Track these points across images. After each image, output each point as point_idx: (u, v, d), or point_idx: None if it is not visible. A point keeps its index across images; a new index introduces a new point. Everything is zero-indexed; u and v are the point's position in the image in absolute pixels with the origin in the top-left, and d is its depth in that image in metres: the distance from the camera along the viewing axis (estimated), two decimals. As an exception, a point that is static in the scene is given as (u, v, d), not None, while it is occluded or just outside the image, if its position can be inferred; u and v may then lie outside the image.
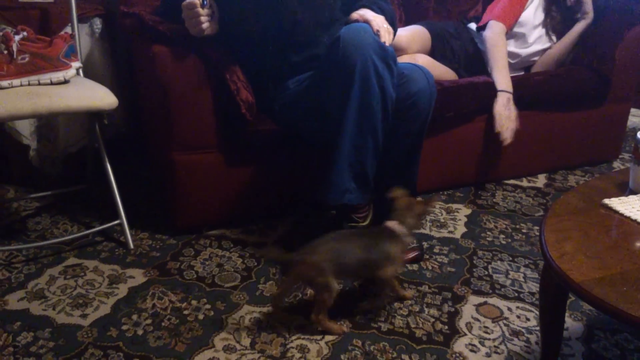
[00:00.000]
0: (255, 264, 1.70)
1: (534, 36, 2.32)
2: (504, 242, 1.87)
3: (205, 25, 1.54)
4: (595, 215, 1.10)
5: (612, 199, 1.14)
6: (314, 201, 1.61)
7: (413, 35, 2.22)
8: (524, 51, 2.31)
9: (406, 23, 2.44)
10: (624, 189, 1.21)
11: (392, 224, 1.43)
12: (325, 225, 1.70)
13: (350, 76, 1.46)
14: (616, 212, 1.10)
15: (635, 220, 1.07)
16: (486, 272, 1.69)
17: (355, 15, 1.56)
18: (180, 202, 1.80)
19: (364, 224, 1.68)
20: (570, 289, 0.90)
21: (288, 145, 1.83)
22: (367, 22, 1.51)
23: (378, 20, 1.52)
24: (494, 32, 2.21)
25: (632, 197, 1.15)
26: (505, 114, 2.09)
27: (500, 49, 2.19)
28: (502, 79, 2.13)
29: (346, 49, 1.45)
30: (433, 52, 2.26)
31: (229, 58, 1.67)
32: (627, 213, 1.09)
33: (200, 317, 1.46)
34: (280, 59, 1.69)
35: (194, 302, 1.52)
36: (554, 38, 2.35)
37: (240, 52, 1.68)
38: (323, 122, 1.60)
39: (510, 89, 2.12)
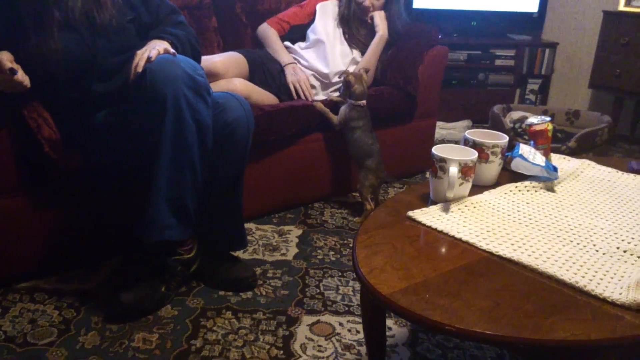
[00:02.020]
0: (74, 314, 1.56)
1: (337, 51, 2.43)
2: (333, 259, 1.92)
3: (26, 82, 1.43)
4: (401, 227, 1.17)
5: (415, 210, 1.22)
6: (135, 239, 1.52)
7: (229, 60, 2.23)
8: (330, 69, 2.40)
9: (224, 50, 2.45)
10: (426, 200, 1.31)
11: None
12: (150, 262, 1.62)
13: (161, 111, 1.41)
14: (419, 222, 1.18)
15: (435, 229, 1.15)
16: (318, 291, 1.73)
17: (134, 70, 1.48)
18: (-19, 255, 1.60)
19: (189, 256, 1.63)
20: (380, 302, 0.94)
21: (102, 182, 1.72)
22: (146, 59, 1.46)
23: (149, 48, 1.51)
24: (260, 28, 2.53)
25: (432, 207, 1.24)
26: (298, 78, 2.32)
27: (269, 36, 2.49)
28: (283, 56, 2.42)
29: (155, 83, 1.40)
30: (252, 78, 2.29)
31: (27, 92, 1.53)
32: (428, 223, 1.17)
33: (9, 383, 1.30)
34: (83, 89, 1.59)
35: (1, 368, 1.36)
36: (360, 56, 2.49)
37: (39, 86, 1.55)
38: (136, 158, 1.52)
39: (292, 60, 2.41)
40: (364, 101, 2.18)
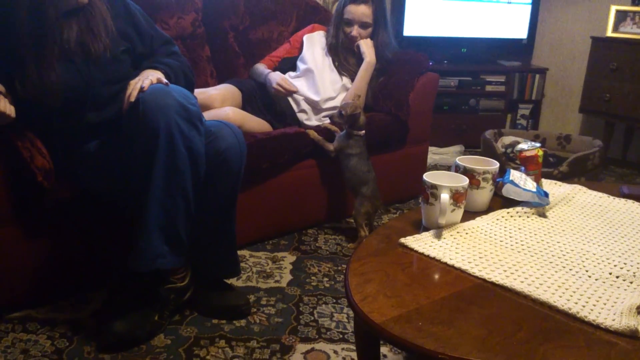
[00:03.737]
0: (67, 344, 1.55)
1: (327, 79, 2.47)
2: (327, 285, 1.92)
3: (9, 112, 1.43)
4: (394, 254, 1.17)
5: (408, 237, 1.22)
6: (127, 268, 1.52)
7: (225, 93, 2.28)
8: (320, 96, 2.43)
9: (218, 80, 2.48)
10: (419, 227, 1.31)
11: None
12: (143, 291, 1.61)
13: (154, 140, 1.42)
14: (411, 249, 1.18)
15: (428, 256, 1.16)
16: (312, 318, 1.72)
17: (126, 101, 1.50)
18: (-28, 285, 1.59)
19: (182, 284, 1.62)
20: (373, 331, 0.93)
21: (94, 211, 1.72)
22: (138, 89, 1.47)
23: (142, 78, 1.52)
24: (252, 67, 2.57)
25: (424, 234, 1.24)
26: (278, 82, 2.35)
27: (257, 66, 2.55)
28: (264, 70, 2.49)
29: (147, 112, 1.41)
30: (245, 108, 2.32)
31: (20, 122, 1.53)
32: (420, 249, 1.17)
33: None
34: (77, 119, 1.60)
35: (-8, 400, 1.34)
36: (350, 83, 2.52)
37: (32, 115, 1.55)
38: (129, 186, 1.53)
39: (269, 70, 2.50)
40: (364, 131, 2.20)
